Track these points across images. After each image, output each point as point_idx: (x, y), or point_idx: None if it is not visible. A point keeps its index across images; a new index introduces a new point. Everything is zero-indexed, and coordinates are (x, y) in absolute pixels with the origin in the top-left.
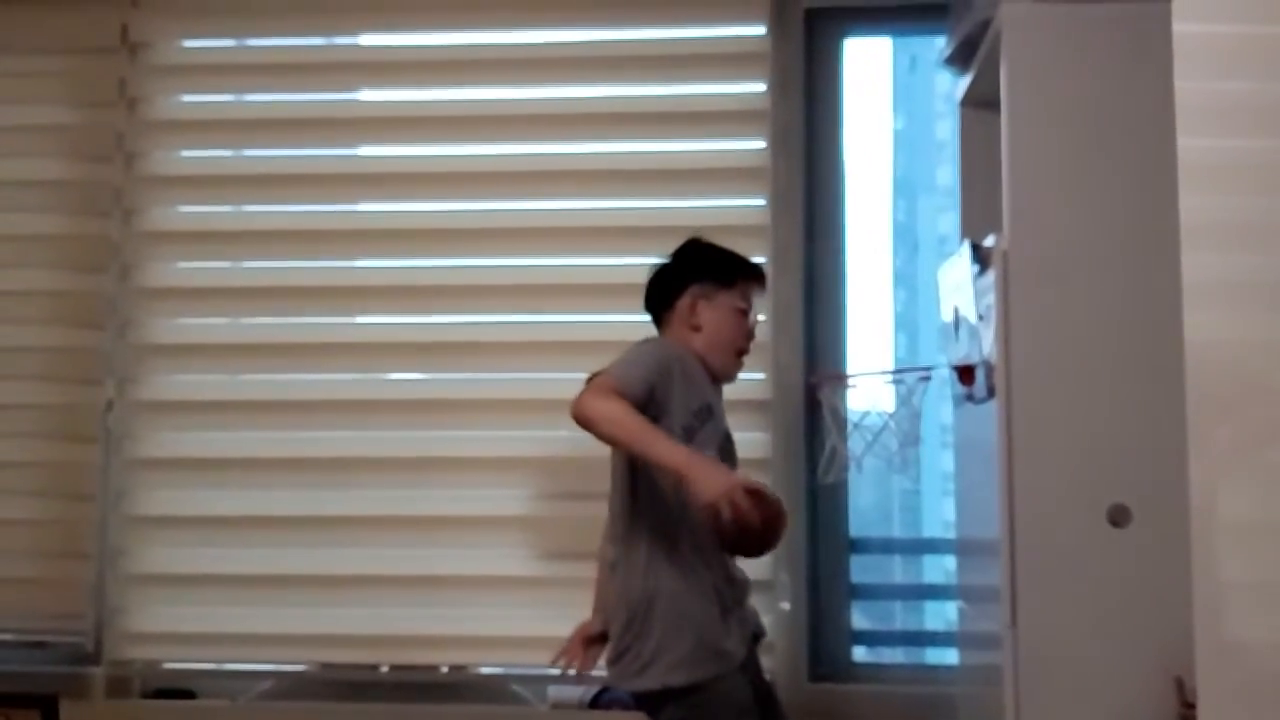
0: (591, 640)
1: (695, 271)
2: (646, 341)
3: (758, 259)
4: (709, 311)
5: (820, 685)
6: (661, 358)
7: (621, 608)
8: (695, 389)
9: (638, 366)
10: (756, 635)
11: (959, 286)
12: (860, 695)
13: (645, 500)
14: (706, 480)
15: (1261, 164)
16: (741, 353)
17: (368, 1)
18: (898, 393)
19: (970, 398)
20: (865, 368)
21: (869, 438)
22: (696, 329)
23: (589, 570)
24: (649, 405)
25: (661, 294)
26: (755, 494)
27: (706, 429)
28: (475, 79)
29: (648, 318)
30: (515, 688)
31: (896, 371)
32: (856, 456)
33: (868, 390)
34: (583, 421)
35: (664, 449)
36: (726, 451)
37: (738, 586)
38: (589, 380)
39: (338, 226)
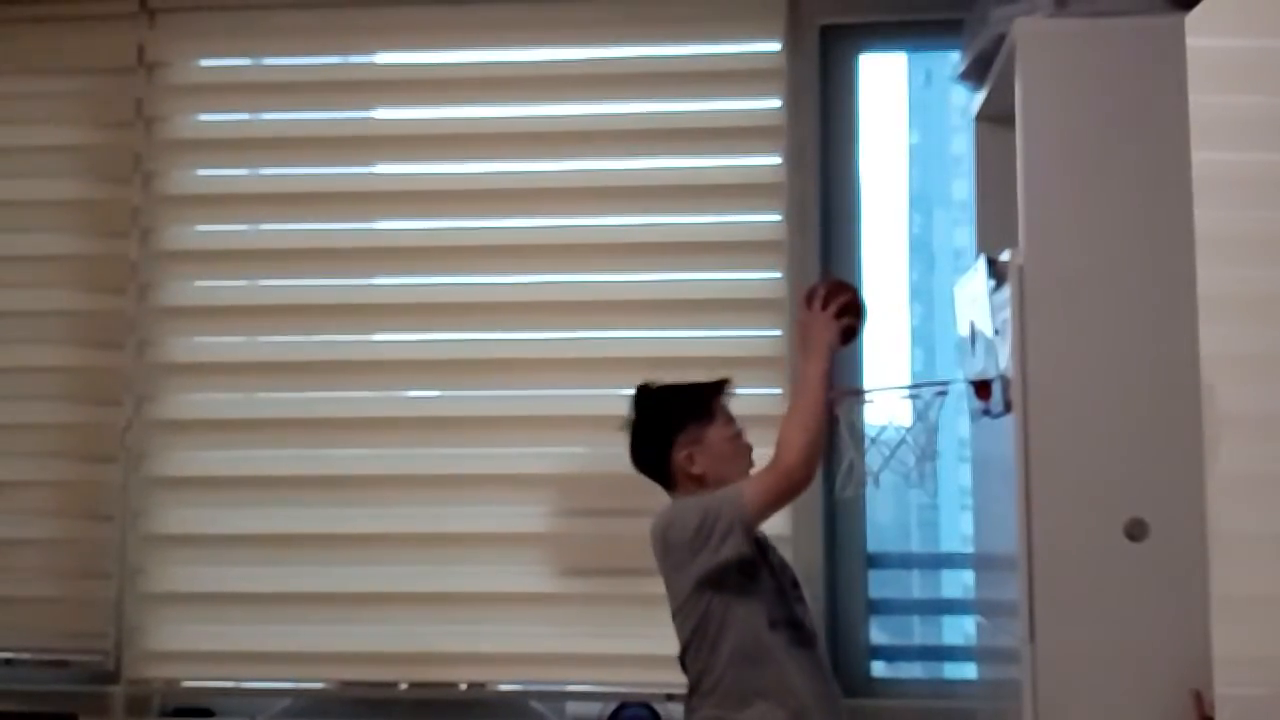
0: None
1: (671, 424)
2: (673, 506)
3: (774, 274)
4: (704, 456)
5: None
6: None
7: None
8: None
9: (713, 498)
10: None
11: (975, 301)
12: (879, 710)
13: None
14: (814, 357)
15: (1276, 177)
16: (750, 465)
17: (383, 21)
18: (915, 407)
19: (987, 412)
20: (882, 382)
21: (886, 453)
22: (701, 478)
23: (606, 586)
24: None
25: (655, 462)
26: (822, 305)
27: (768, 553)
28: (491, 96)
29: (662, 333)
30: (534, 704)
31: (913, 386)
32: (874, 471)
33: (884, 405)
34: (806, 454)
35: (812, 385)
36: (783, 571)
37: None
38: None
39: (354, 244)
